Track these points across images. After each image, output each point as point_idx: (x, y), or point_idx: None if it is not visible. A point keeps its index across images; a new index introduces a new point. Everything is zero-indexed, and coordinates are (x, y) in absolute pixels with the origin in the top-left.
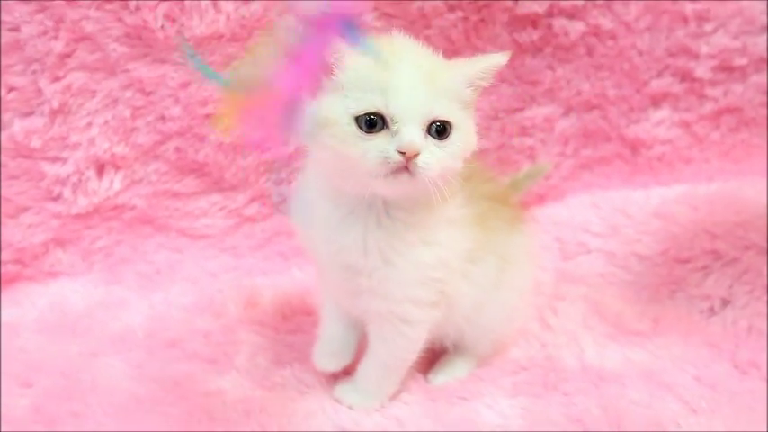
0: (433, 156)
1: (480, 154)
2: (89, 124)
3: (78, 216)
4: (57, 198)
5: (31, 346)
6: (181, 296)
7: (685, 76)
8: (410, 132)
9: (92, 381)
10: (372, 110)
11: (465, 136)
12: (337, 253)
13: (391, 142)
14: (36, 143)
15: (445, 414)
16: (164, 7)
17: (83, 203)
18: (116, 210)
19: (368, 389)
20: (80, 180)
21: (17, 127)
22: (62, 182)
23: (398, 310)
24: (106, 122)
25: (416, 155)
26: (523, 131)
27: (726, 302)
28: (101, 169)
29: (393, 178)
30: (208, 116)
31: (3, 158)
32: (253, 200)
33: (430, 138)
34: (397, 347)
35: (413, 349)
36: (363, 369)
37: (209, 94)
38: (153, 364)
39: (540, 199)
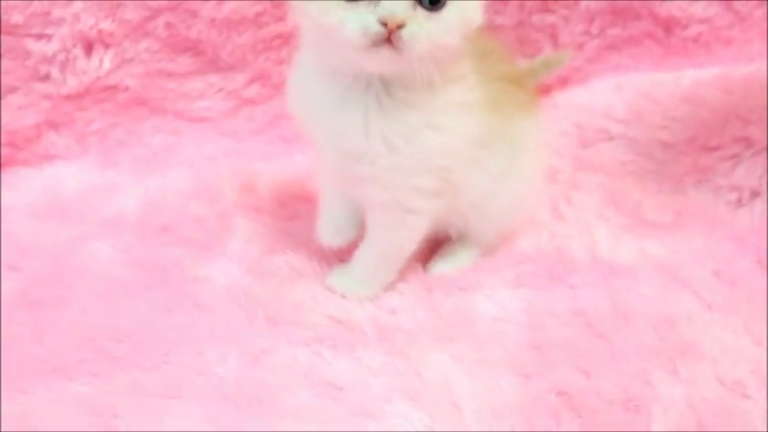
0: (420, 28)
1: (496, 32)
2: None
3: (69, 97)
4: (45, 78)
5: (21, 230)
6: (177, 180)
7: None
8: (393, 2)
9: (79, 265)
10: None
11: (464, 8)
12: (337, 138)
13: (372, 13)
14: (17, 18)
15: (440, 304)
16: None
17: (73, 83)
18: (108, 90)
19: (363, 277)
20: (68, 59)
21: None
22: (49, 60)
23: (401, 199)
24: None
25: (400, 26)
26: (544, 7)
27: (755, 194)
28: (89, 47)
29: (375, 51)
30: None
31: None
32: (252, 80)
33: (420, 8)
34: (397, 236)
35: (413, 238)
36: (360, 256)
37: None
38: (142, 250)
39: (563, 82)
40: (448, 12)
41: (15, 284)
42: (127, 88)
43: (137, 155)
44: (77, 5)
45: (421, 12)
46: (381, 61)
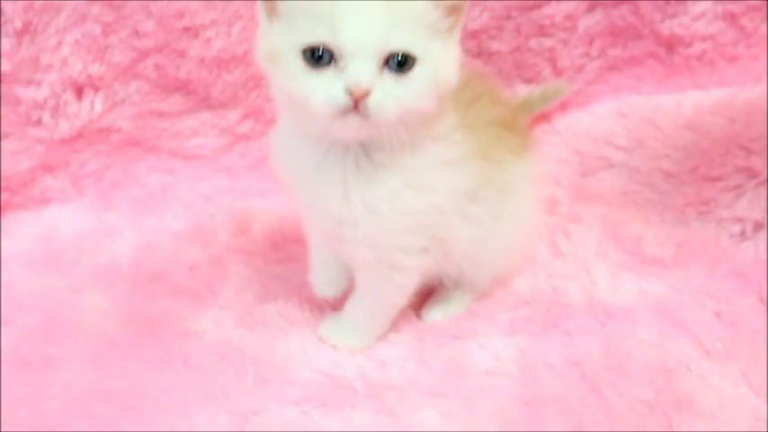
0: (388, 95)
1: (492, 58)
2: (59, 43)
3: (63, 140)
4: (37, 123)
5: (17, 281)
6: (173, 222)
7: None
8: (358, 69)
9: (72, 320)
10: (318, 42)
11: (435, 70)
12: (318, 202)
13: (339, 80)
14: (6, 67)
15: (432, 356)
16: None
17: (65, 128)
18: (102, 133)
19: (354, 328)
20: (58, 103)
21: None
22: (40, 106)
23: (387, 258)
24: (77, 41)
25: (366, 95)
26: (541, 31)
27: (759, 226)
28: (79, 91)
29: (342, 120)
30: (185, 29)
31: None
32: (245, 116)
33: (387, 72)
34: (385, 293)
35: (403, 294)
36: (350, 309)
37: (183, 6)
38: (135, 301)
39: (563, 106)
40: (418, 74)
41: (9, 340)
42: (120, 129)
43: (133, 195)
44: (65, 51)
45: (389, 76)
46: (350, 129)
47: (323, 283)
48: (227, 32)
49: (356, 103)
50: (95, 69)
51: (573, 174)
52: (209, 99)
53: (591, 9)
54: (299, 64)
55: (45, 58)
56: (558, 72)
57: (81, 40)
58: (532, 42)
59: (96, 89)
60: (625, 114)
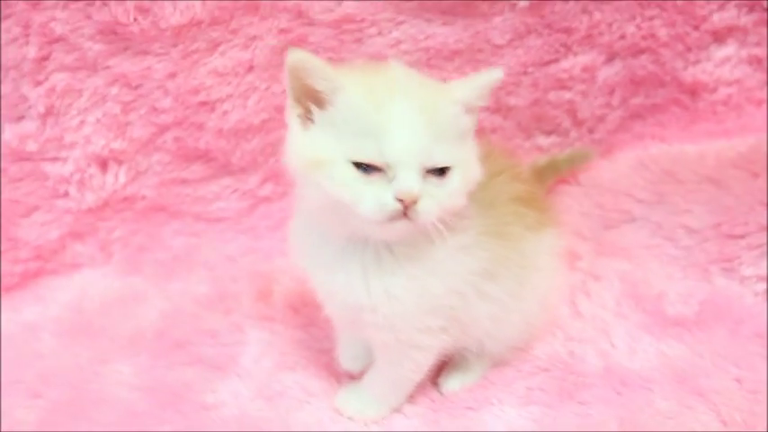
0: (432, 199)
1: (512, 112)
2: (81, 123)
3: (90, 210)
4: (64, 195)
5: (46, 351)
6: (197, 286)
7: (754, 5)
8: (408, 178)
9: (98, 392)
10: (367, 158)
11: (466, 171)
12: (337, 292)
13: (388, 189)
14: (32, 147)
15: (446, 428)
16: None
17: (91, 199)
18: (126, 201)
19: (371, 400)
20: (83, 177)
21: (9, 134)
22: (66, 180)
23: (406, 339)
24: (98, 120)
25: (415, 201)
26: (560, 84)
27: None
28: (103, 165)
29: (390, 224)
30: (202, 104)
31: (3, 164)
32: (266, 180)
33: (429, 178)
34: (403, 369)
35: (421, 370)
36: (368, 380)
37: (198, 83)
38: (157, 371)
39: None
40: (453, 177)
41: (36, 415)
42: (144, 197)
43: (158, 259)
44: (87, 129)
45: (430, 180)
46: (396, 233)
47: (348, 358)
48: (243, 105)
49: (406, 209)
50: (117, 145)
51: (595, 227)
52: (229, 165)
53: (609, 60)
54: (348, 171)
55: (69, 137)
56: (578, 123)
57: (102, 119)
58: (551, 95)
59: (120, 162)
60: (647, 166)
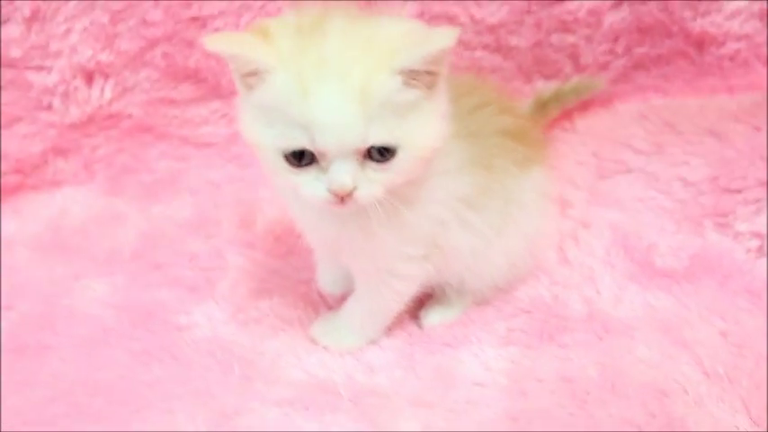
0: (373, 184)
1: (511, 53)
2: (68, 30)
3: (73, 125)
4: (48, 108)
5: (22, 265)
6: (179, 210)
7: None
8: (341, 171)
9: (69, 308)
10: (298, 147)
11: (417, 146)
12: (314, 225)
13: (322, 179)
14: (16, 53)
15: (421, 363)
16: None
17: (75, 113)
18: (112, 118)
19: (348, 330)
20: (68, 89)
21: None
22: (50, 91)
23: (386, 267)
24: (85, 29)
25: (350, 192)
26: (563, 27)
27: None
28: (89, 77)
29: (332, 208)
30: (193, 19)
31: None
32: None
33: (369, 162)
34: (383, 298)
35: (401, 300)
36: (347, 310)
37: None
38: (132, 291)
39: (585, 105)
40: (400, 157)
41: (8, 325)
42: (130, 116)
43: (142, 181)
44: (74, 38)
45: (371, 165)
46: (341, 211)
47: (327, 282)
48: (236, 23)
49: (342, 199)
50: (104, 57)
51: (589, 176)
52: (218, 88)
53: (617, 4)
54: (280, 163)
55: (54, 45)
56: (580, 69)
57: (89, 28)
58: (554, 38)
59: (106, 76)
60: (647, 117)
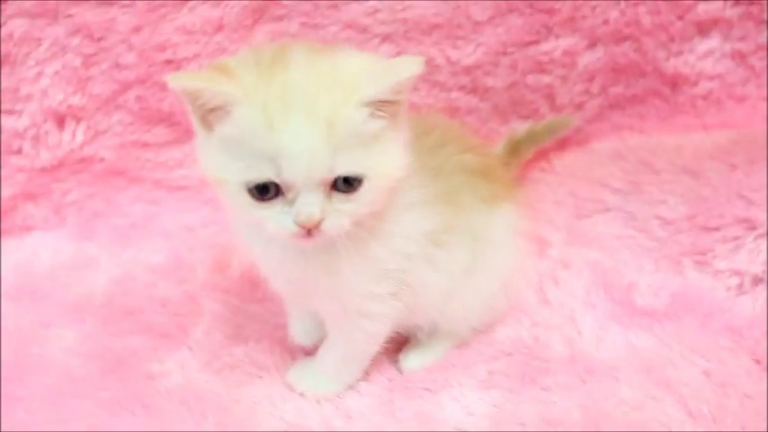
0: (339, 215)
1: (488, 94)
2: (39, 74)
3: (44, 170)
4: (18, 152)
5: None
6: (152, 255)
7: None
8: (308, 203)
9: (37, 356)
10: (263, 179)
11: (383, 176)
12: (277, 269)
13: (288, 212)
14: None
15: (401, 409)
16: None
17: (46, 157)
18: (83, 162)
19: (325, 375)
20: (39, 133)
21: None
22: (20, 135)
23: (353, 307)
24: (57, 72)
25: (318, 224)
26: (539, 67)
27: (758, 281)
28: (61, 121)
29: (299, 242)
30: (167, 62)
31: None
32: None
33: (336, 194)
34: (356, 340)
35: (374, 342)
36: (321, 356)
37: (164, 39)
38: (103, 338)
39: (561, 144)
40: (366, 188)
41: None
42: (102, 159)
43: (114, 225)
44: (45, 82)
45: (337, 196)
46: (307, 245)
47: (299, 332)
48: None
49: (309, 232)
50: (76, 100)
51: (568, 216)
52: (192, 131)
53: (591, 45)
54: (244, 197)
55: (25, 89)
56: (556, 109)
57: (61, 72)
58: (529, 79)
59: (78, 119)
60: (623, 156)
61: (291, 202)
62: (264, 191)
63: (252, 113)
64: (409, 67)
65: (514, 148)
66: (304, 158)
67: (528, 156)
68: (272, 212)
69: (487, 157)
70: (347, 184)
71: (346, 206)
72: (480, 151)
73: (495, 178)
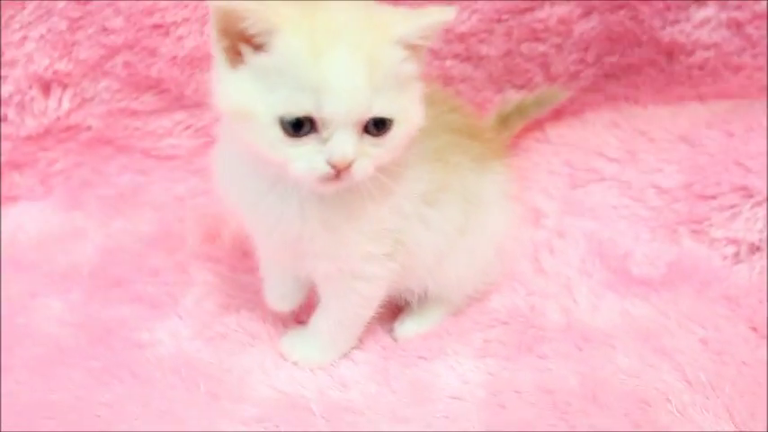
0: (368, 159)
1: (482, 62)
2: (24, 38)
3: (30, 138)
4: (2, 119)
5: None
6: (141, 225)
7: None
8: (343, 141)
9: (25, 326)
10: (302, 114)
11: (408, 122)
12: (271, 224)
13: (321, 151)
14: None
15: (396, 377)
16: None
17: (31, 124)
18: (70, 130)
19: (318, 343)
20: (23, 100)
21: None
22: (5, 102)
23: (349, 268)
24: (42, 36)
25: (349, 165)
26: (534, 36)
27: (754, 249)
28: (46, 87)
29: (323, 185)
30: (156, 27)
31: None
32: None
33: (366, 137)
34: (351, 304)
35: (369, 305)
36: (315, 323)
37: (152, 3)
38: (91, 308)
39: (556, 114)
40: (394, 133)
41: None
42: (90, 127)
43: (102, 195)
44: (30, 46)
45: (367, 139)
46: (329, 190)
47: (276, 297)
48: (200, 31)
49: (339, 173)
50: (62, 66)
51: (563, 186)
52: (182, 98)
53: (587, 13)
54: (276, 132)
55: (9, 54)
56: (551, 78)
57: (46, 36)
58: (524, 47)
59: (64, 86)
60: (619, 125)
61: (325, 141)
62: (299, 126)
63: (297, 42)
64: (441, 13)
65: (504, 121)
66: (348, 93)
67: (518, 128)
68: (303, 150)
69: (473, 118)
70: (377, 127)
71: (374, 150)
72: (465, 112)
73: (482, 138)
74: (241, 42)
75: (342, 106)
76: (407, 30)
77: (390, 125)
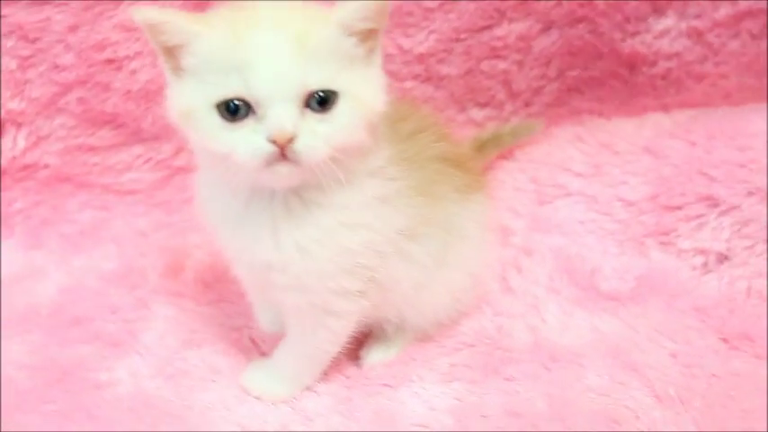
0: (315, 135)
1: (443, 82)
2: None
3: None
4: None
5: None
6: (102, 261)
7: None
8: (278, 115)
9: None
10: (232, 95)
11: (359, 101)
12: (246, 249)
13: (260, 131)
14: None
15: (361, 408)
16: None
17: None
18: (27, 169)
19: (281, 377)
20: None
21: None
22: None
23: (320, 303)
24: None
25: (291, 140)
26: (494, 53)
27: (722, 258)
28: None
29: (272, 170)
30: (108, 62)
31: None
32: (181, 149)
33: (310, 112)
34: (317, 339)
35: (337, 341)
36: (279, 356)
37: (103, 38)
38: (50, 349)
39: None
40: (342, 109)
41: None
42: (47, 165)
43: (64, 233)
44: None
45: (312, 116)
46: (281, 177)
47: (265, 320)
48: (153, 64)
49: (283, 150)
50: (15, 105)
51: (529, 202)
52: (140, 132)
53: (546, 29)
54: (214, 120)
55: None
56: (513, 95)
57: None
58: (485, 65)
59: (18, 125)
60: (583, 139)
61: (262, 119)
62: (235, 111)
63: (218, 34)
64: None
65: (479, 148)
66: (271, 68)
67: (491, 157)
68: (243, 134)
69: (460, 147)
70: (320, 103)
71: (322, 127)
72: (452, 139)
73: (467, 168)
74: (175, 50)
75: (267, 80)
76: (343, 12)
77: (335, 99)
